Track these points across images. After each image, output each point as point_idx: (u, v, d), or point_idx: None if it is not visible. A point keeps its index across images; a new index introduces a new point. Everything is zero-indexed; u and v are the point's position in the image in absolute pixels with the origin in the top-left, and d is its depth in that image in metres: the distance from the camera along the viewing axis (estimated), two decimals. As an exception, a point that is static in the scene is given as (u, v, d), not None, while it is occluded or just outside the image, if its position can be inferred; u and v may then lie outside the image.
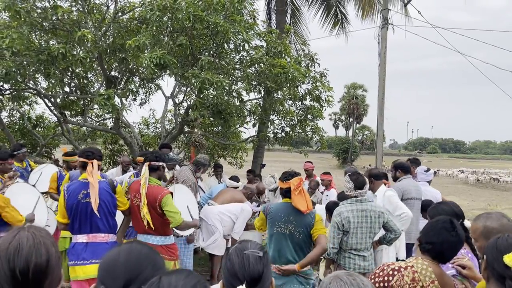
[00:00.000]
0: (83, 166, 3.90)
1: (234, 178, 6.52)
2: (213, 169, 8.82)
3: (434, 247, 2.30)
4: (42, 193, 5.70)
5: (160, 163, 4.23)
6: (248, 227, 5.94)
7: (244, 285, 1.55)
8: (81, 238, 3.80)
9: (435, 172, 38.07)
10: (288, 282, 3.64)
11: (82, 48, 6.67)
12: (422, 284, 2.24)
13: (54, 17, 6.37)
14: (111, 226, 3.89)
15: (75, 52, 6.51)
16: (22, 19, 6.25)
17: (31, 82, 7.84)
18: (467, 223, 2.77)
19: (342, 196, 4.87)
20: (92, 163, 3.84)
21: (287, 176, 3.84)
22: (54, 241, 1.45)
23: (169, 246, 4.14)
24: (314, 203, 7.00)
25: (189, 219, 4.48)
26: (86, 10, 6.92)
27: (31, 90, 8.19)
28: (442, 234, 2.30)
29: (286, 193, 3.81)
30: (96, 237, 3.80)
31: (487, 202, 18.92)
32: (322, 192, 7.53)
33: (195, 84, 6.43)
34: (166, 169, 6.01)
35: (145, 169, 4.14)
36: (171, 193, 4.11)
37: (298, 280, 3.65)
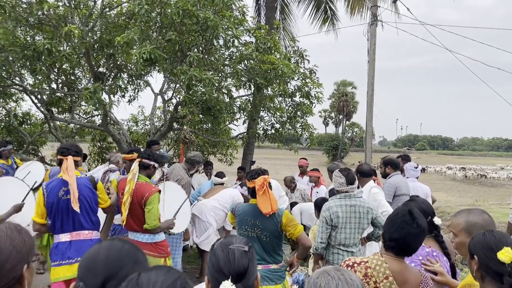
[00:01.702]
0: (60, 163, 3.81)
1: (220, 174, 6.49)
2: (203, 167, 8.78)
3: (397, 243, 2.27)
4: (33, 189, 5.62)
5: (152, 163, 4.15)
6: None
7: (229, 280, 1.53)
8: (64, 237, 3.69)
9: (424, 169, 38.53)
10: None
11: (69, 44, 6.57)
12: (375, 280, 2.21)
13: (39, 12, 6.25)
14: (94, 222, 3.80)
15: (61, 48, 6.41)
16: (7, 14, 6.13)
17: (17, 78, 7.72)
18: (437, 220, 2.75)
19: (332, 193, 4.87)
20: (67, 159, 3.75)
21: (253, 175, 3.78)
22: (19, 239, 1.47)
23: (158, 244, 4.08)
24: (294, 203, 7.03)
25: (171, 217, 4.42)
26: (72, 5, 6.82)
27: (17, 86, 8.06)
28: (403, 228, 2.25)
29: (253, 192, 3.75)
30: (79, 234, 3.71)
31: (474, 198, 19.15)
32: (312, 188, 7.55)
33: (183, 80, 6.37)
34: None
35: (135, 165, 4.07)
36: (159, 191, 4.04)
37: (267, 277, 3.64)
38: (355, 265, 2.27)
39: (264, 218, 3.63)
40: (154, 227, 3.90)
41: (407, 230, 2.25)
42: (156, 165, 4.23)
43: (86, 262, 1.46)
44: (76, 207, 3.59)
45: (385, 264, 2.24)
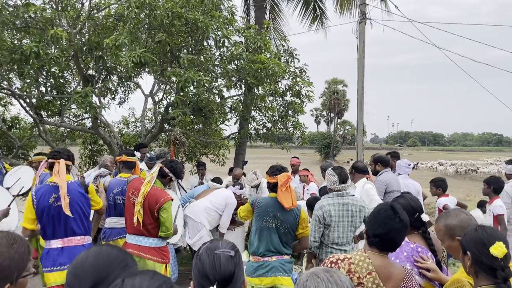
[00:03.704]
0: (51, 167, 3.78)
1: (217, 180, 6.46)
2: (195, 167, 8.76)
3: (382, 239, 2.28)
4: (19, 195, 5.55)
5: (171, 175, 4.16)
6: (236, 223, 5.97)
7: (215, 286, 1.51)
8: (56, 243, 3.66)
9: (414, 165, 38.77)
10: (273, 269, 3.85)
11: (57, 46, 6.50)
12: (359, 275, 2.22)
13: (26, 15, 6.19)
14: (86, 227, 3.78)
15: (49, 51, 6.33)
16: (-7, 17, 6.06)
17: (4, 82, 7.63)
18: (425, 217, 2.77)
19: (324, 191, 4.88)
20: (59, 163, 3.72)
21: (275, 171, 4.00)
22: (6, 255, 1.46)
23: (162, 249, 4.05)
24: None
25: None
26: (60, 8, 6.75)
27: (5, 90, 7.97)
28: (387, 224, 2.27)
29: (273, 187, 3.98)
30: (71, 240, 3.68)
31: (465, 193, 19.30)
32: (303, 187, 7.58)
33: (176, 82, 6.34)
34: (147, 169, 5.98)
35: (155, 169, 4.06)
36: (172, 199, 4.04)
37: (282, 268, 3.86)
38: (339, 261, 2.29)
39: (285, 211, 3.89)
40: (169, 235, 3.94)
41: (390, 225, 2.27)
42: (174, 178, 4.23)
43: (73, 268, 1.44)
44: (67, 211, 3.55)
45: (368, 260, 2.26)
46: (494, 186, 5.50)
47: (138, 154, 6.24)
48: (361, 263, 2.25)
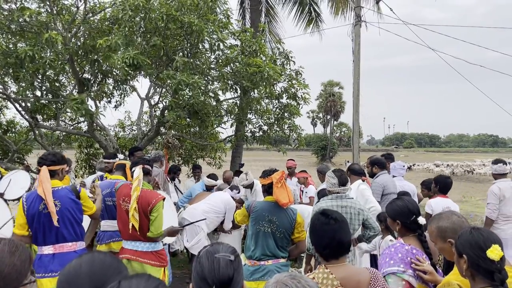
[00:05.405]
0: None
1: (212, 176, 6.47)
2: (191, 170, 8.75)
3: (331, 248, 2.27)
4: (13, 200, 5.53)
5: (151, 169, 4.22)
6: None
7: None
8: (47, 250, 3.61)
9: (409, 167, 38.80)
10: (269, 273, 3.83)
11: (53, 50, 6.49)
12: None
13: (21, 19, 6.17)
14: (78, 233, 3.72)
15: (44, 55, 6.32)
16: (-12, 22, 6.05)
17: (0, 86, 7.60)
18: (422, 220, 2.78)
19: (323, 194, 4.89)
20: (41, 170, 3.60)
21: (268, 172, 3.99)
22: (8, 261, 1.44)
23: (159, 252, 4.03)
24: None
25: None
26: (55, 11, 6.73)
27: (0, 94, 7.94)
28: (326, 230, 2.28)
29: (269, 188, 3.95)
30: (63, 247, 3.63)
31: (462, 194, 19.36)
32: (300, 190, 7.58)
33: (170, 85, 6.34)
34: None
35: (139, 171, 4.02)
36: (164, 198, 4.03)
37: (278, 272, 3.81)
38: None
39: (281, 215, 3.86)
40: (158, 235, 3.89)
41: (330, 229, 2.28)
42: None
43: (67, 277, 1.40)
44: (55, 220, 3.50)
45: (332, 275, 2.23)
46: (440, 185, 5.32)
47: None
48: (325, 281, 2.21)
